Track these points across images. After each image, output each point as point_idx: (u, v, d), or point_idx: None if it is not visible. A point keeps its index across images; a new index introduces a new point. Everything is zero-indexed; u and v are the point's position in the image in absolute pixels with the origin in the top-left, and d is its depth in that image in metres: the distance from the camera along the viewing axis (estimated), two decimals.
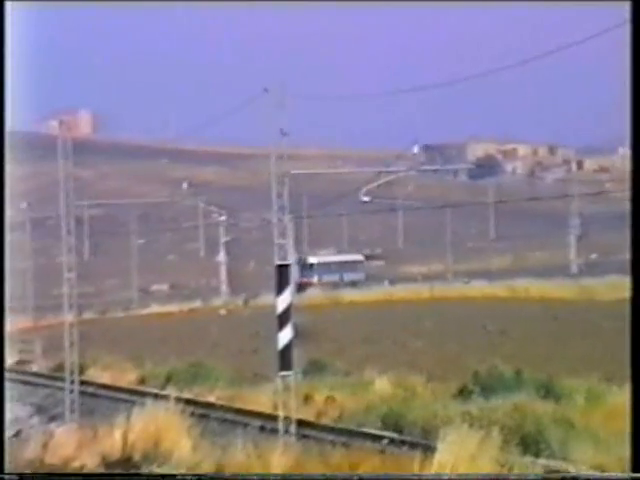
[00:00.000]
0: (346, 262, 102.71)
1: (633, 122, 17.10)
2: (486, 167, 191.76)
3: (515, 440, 21.66)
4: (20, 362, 47.82)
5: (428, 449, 20.27)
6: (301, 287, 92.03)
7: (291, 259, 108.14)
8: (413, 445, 22.56)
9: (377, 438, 24.34)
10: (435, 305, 68.60)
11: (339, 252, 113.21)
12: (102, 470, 23.36)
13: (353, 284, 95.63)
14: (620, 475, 18.26)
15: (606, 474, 18.82)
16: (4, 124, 19.12)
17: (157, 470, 22.81)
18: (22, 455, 24.98)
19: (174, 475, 20.57)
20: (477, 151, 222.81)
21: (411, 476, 18.89)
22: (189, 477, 20.26)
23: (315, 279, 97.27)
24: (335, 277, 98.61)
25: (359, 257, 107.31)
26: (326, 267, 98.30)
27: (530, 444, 22.27)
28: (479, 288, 78.33)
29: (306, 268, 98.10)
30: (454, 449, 19.04)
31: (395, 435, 24.75)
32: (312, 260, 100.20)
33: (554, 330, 47.99)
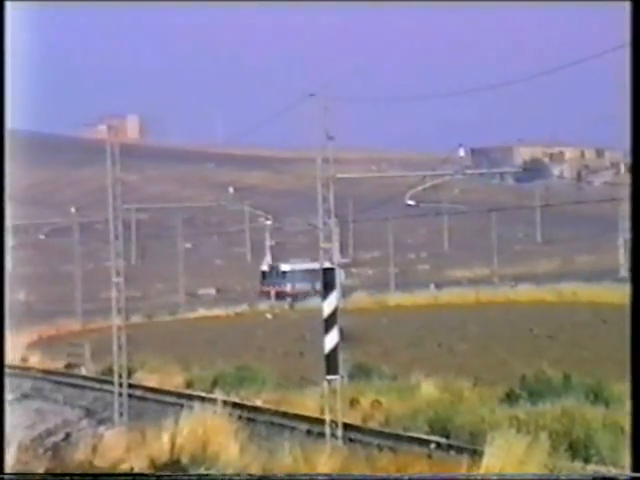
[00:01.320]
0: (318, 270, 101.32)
1: (633, 122, 17.00)
2: (533, 170, 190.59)
3: (564, 445, 21.52)
4: (69, 365, 48.22)
5: (475, 454, 20.19)
6: (274, 295, 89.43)
7: (265, 266, 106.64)
8: (460, 449, 22.49)
9: (424, 442, 24.27)
10: (481, 309, 68.32)
11: (312, 260, 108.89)
12: (151, 473, 23.48)
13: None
14: (620, 475, 18.11)
15: (606, 474, 18.65)
16: (4, 125, 19.29)
17: (205, 474, 22.90)
18: (71, 458, 25.18)
19: (175, 475, 20.64)
20: (524, 154, 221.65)
21: (413, 476, 18.86)
22: (188, 477, 20.33)
23: (288, 287, 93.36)
24: (307, 286, 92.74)
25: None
26: (299, 275, 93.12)
27: (579, 449, 22.12)
28: (526, 292, 77.89)
29: (279, 276, 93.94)
30: (502, 454, 18.95)
31: (442, 439, 24.68)
32: (285, 268, 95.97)
33: (603, 334, 47.63)
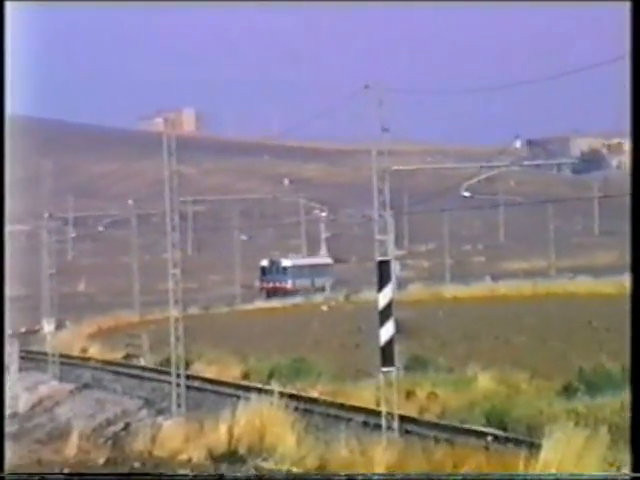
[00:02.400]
0: (317, 265, 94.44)
1: (633, 122, 16.84)
2: (591, 162, 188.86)
3: (624, 439, 21.34)
4: (127, 356, 48.63)
5: (533, 447, 20.09)
6: (273, 292, 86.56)
7: (264, 262, 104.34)
8: (518, 442, 22.39)
9: (481, 435, 24.20)
10: (538, 301, 67.83)
11: (310, 255, 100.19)
12: (209, 463, 23.68)
13: (322, 290, 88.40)
14: (620, 475, 17.93)
15: (606, 474, 18.46)
16: (4, 123, 19.44)
17: (263, 464, 23.04)
18: (131, 447, 25.43)
19: (174, 475, 20.73)
20: (581, 145, 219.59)
21: (419, 476, 18.84)
22: (187, 477, 20.41)
23: (289, 284, 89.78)
24: (307, 282, 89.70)
25: (328, 260, 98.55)
26: (299, 271, 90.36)
27: None
28: (584, 284, 77.19)
29: (279, 272, 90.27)
30: (560, 447, 18.84)
31: (499, 432, 24.59)
32: (286, 263, 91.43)
33: None
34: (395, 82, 27.38)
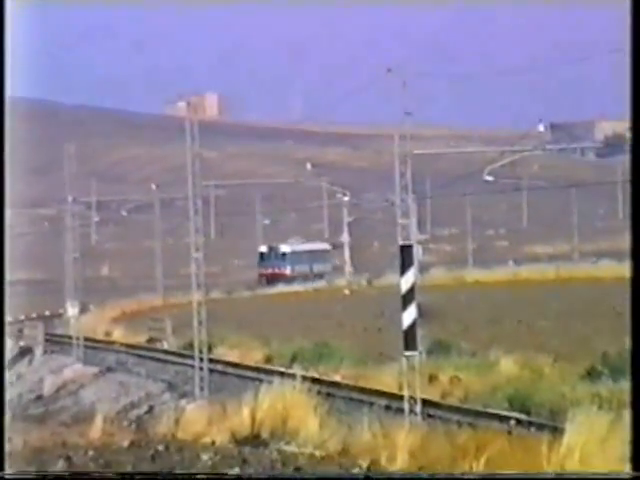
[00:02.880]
0: (316, 251, 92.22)
1: (633, 122, 16.76)
2: (615, 145, 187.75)
3: None
4: (151, 340, 48.84)
5: (556, 431, 20.06)
6: (271, 279, 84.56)
7: (263, 248, 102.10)
8: (541, 427, 22.37)
9: (504, 419, 24.19)
10: (561, 285, 67.64)
11: (308, 240, 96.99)
12: (232, 447, 23.76)
13: (320, 276, 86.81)
14: (620, 475, 17.89)
15: (606, 474, 18.41)
16: (4, 122, 19.43)
17: (285, 448, 23.11)
18: (155, 430, 25.54)
19: (174, 475, 20.81)
20: (605, 129, 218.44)
21: (413, 476, 18.88)
22: (187, 477, 20.49)
23: (288, 270, 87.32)
24: (305, 268, 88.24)
25: (326, 246, 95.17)
26: (298, 257, 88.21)
27: None
28: (607, 268, 76.90)
29: (278, 257, 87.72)
30: (583, 431, 18.81)
31: (522, 416, 24.57)
32: (285, 249, 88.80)
33: None
34: (418, 66, 27.32)
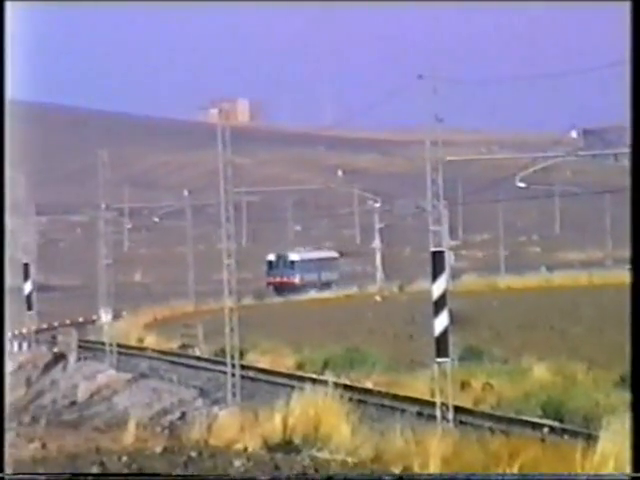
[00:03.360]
0: (323, 259, 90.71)
1: (633, 122, 16.66)
2: None
3: None
4: (183, 346, 48.97)
5: (590, 438, 19.95)
6: (280, 287, 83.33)
7: (271, 256, 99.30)
8: (575, 434, 22.25)
9: (537, 426, 24.09)
10: (594, 292, 67.27)
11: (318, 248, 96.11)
12: (264, 453, 23.79)
13: (328, 285, 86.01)
14: (620, 475, 17.72)
15: (606, 474, 18.25)
16: (4, 123, 19.50)
17: (317, 454, 23.11)
18: (187, 436, 25.62)
19: (174, 475, 20.81)
20: None
21: (414, 476, 18.80)
22: (187, 477, 20.48)
23: (297, 279, 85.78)
24: (314, 276, 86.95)
25: (334, 254, 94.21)
26: (306, 265, 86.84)
27: None
28: None
29: (287, 266, 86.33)
30: (618, 439, 18.70)
31: (556, 423, 24.45)
32: (293, 257, 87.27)
33: None
34: (449, 72, 27.29)
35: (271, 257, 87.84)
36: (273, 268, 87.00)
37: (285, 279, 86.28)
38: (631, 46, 16.74)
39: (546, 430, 23.61)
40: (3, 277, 19.25)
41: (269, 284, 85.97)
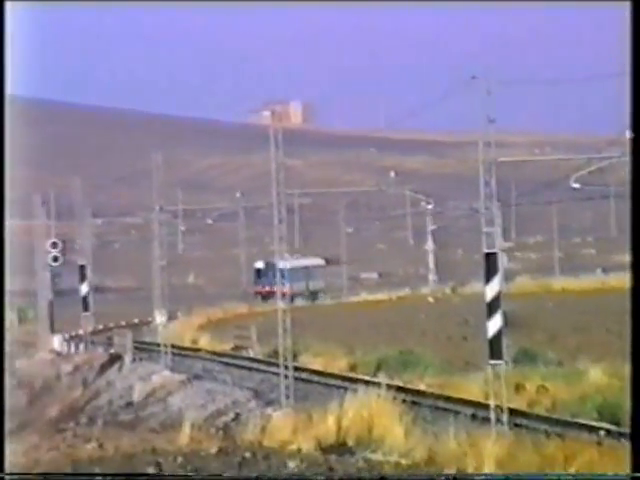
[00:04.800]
0: (311, 267, 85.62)
1: (633, 122, 16.46)
2: None
3: None
4: (236, 347, 49.17)
5: None
6: (268, 297, 76.19)
7: (260, 264, 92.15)
8: None
9: (593, 429, 23.90)
10: None
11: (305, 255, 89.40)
12: (318, 454, 23.84)
13: (315, 294, 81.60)
14: (620, 475, 17.45)
15: (606, 474, 17.96)
16: (4, 123, 19.57)
17: (370, 456, 23.12)
18: (241, 438, 25.72)
19: (175, 475, 20.79)
20: None
21: (408, 476, 18.64)
22: (186, 477, 20.44)
23: (287, 287, 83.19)
24: (302, 285, 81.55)
25: (320, 261, 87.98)
26: (296, 273, 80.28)
27: None
28: None
29: (276, 275, 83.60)
30: None
31: (612, 426, 24.24)
32: (283, 265, 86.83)
33: None
34: (503, 73, 27.19)
35: (259, 265, 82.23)
36: (261, 276, 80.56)
37: (275, 288, 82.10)
38: (631, 46, 16.62)
39: (602, 433, 23.41)
40: (3, 277, 19.35)
41: (257, 293, 79.15)
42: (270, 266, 79.03)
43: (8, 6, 19.64)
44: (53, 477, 20.67)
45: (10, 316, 64.70)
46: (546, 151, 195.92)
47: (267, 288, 79.66)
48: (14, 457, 23.61)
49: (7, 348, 23.35)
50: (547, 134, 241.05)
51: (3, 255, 19.80)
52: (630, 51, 16.61)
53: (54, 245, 59.38)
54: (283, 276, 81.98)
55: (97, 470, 21.53)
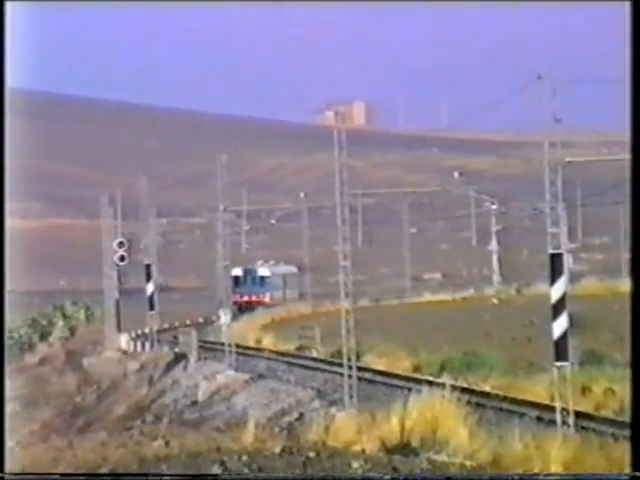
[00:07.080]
0: (287, 275, 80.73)
1: (633, 122, 16.14)
2: None
3: None
4: (300, 347, 49.30)
5: None
6: (248, 307, 72.32)
7: (238, 271, 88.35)
8: None
9: None
10: None
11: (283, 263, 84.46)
12: (382, 455, 23.83)
13: (291, 302, 75.29)
14: (620, 475, 17.07)
15: (606, 474, 17.59)
16: (4, 122, 19.61)
17: (435, 457, 23.06)
18: (305, 437, 25.78)
19: (175, 475, 20.72)
20: None
21: (408, 476, 18.44)
22: (186, 477, 20.36)
23: (267, 297, 75.52)
24: (280, 294, 77.60)
25: (294, 269, 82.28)
26: (275, 281, 77.05)
27: None
28: None
29: (255, 283, 75.95)
30: None
31: None
32: (263, 272, 77.04)
33: None
34: (569, 72, 26.98)
35: (237, 272, 74.13)
36: (240, 285, 74.74)
37: (254, 297, 75.33)
38: (631, 46, 16.43)
39: None
40: (3, 277, 19.46)
41: (235, 303, 69.35)
42: (249, 273, 75.02)
43: (8, 6, 19.86)
44: (53, 477, 20.79)
45: (79, 315, 65.52)
46: (613, 151, 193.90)
47: (246, 298, 74.56)
48: (82, 453, 23.89)
49: (76, 346, 23.66)
50: (615, 134, 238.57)
51: (3, 255, 19.87)
52: (630, 51, 16.46)
53: (121, 244, 59.95)
54: (263, 285, 77.13)
55: (164, 468, 21.72)
